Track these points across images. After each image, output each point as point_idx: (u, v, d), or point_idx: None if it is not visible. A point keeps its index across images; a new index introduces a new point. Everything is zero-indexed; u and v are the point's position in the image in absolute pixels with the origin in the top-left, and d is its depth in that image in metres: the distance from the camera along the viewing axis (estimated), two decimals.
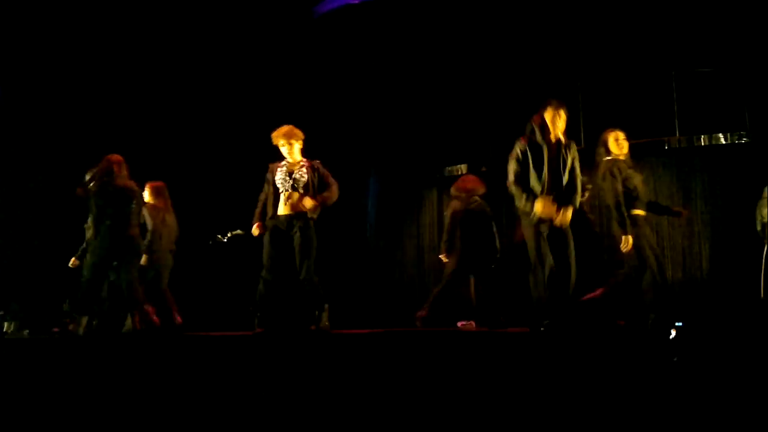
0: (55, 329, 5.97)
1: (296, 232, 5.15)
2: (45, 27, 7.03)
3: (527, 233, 4.62)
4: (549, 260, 4.56)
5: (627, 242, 4.89)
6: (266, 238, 5.16)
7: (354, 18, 7.43)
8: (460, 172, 8.14)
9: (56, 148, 7.29)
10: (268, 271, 5.12)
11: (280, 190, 5.20)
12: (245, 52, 7.71)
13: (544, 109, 4.69)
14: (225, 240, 7.63)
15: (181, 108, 7.82)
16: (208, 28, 7.44)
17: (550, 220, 4.58)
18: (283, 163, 5.27)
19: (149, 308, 5.63)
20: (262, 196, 5.26)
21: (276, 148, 5.30)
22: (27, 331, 6.02)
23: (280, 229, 5.16)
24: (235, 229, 7.52)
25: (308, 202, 5.13)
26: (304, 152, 5.36)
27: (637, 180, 5.23)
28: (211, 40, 7.56)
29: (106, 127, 7.45)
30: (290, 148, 5.24)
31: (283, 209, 5.18)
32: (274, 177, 5.23)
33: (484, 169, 7.94)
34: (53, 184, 6.64)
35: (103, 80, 7.52)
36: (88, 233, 5.71)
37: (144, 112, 7.73)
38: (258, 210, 5.23)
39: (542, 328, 4.44)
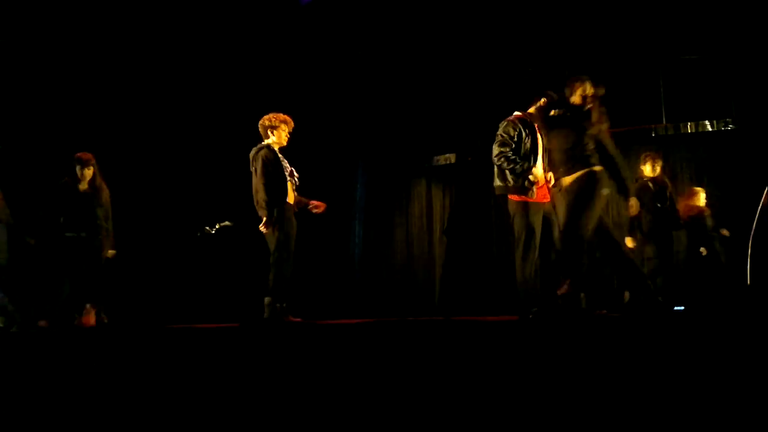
0: (42, 323, 5.95)
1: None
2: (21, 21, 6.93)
3: (519, 220, 4.64)
4: (537, 248, 4.59)
5: None
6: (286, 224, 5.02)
7: (341, 6, 7.39)
8: (448, 162, 8.14)
9: (42, 144, 7.22)
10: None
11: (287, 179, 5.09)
12: (231, 40, 7.65)
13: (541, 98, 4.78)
14: (213, 232, 7.61)
15: (168, 100, 7.76)
16: (192, 17, 7.37)
17: (543, 209, 4.63)
18: (278, 149, 5.15)
19: None
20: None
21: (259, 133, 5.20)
22: (15, 327, 5.97)
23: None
24: (224, 221, 7.50)
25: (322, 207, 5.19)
26: (293, 141, 5.30)
27: None
28: (196, 29, 7.49)
29: (89, 120, 7.39)
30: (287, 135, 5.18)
31: (290, 198, 5.10)
32: (280, 162, 5.06)
33: (470, 159, 7.95)
34: (42, 179, 6.57)
35: (86, 71, 7.44)
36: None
37: (130, 104, 7.67)
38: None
39: (530, 316, 4.46)
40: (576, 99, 4.50)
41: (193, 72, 7.75)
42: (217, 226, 7.49)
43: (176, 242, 7.69)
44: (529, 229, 4.59)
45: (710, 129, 6.98)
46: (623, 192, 4.68)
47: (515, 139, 4.67)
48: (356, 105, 8.27)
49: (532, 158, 4.65)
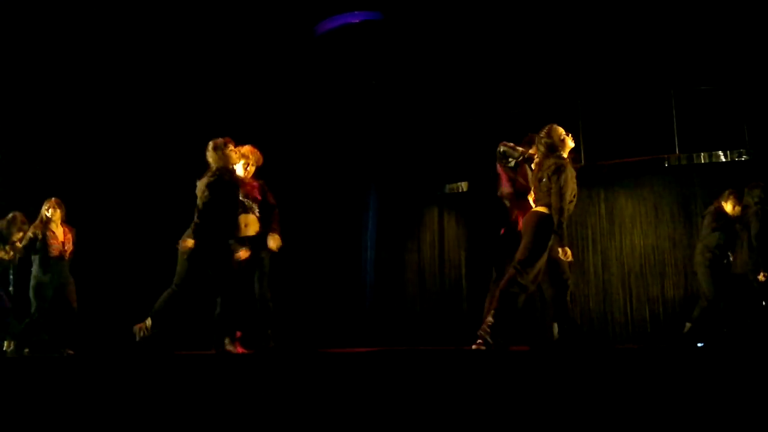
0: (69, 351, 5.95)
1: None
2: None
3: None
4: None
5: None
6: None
7: (354, 37, 7.49)
8: (460, 190, 8.15)
9: (55, 162, 7.29)
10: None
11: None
12: (249, 70, 7.76)
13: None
14: None
15: (184, 123, 7.84)
16: (211, 48, 7.49)
17: None
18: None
19: None
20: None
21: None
22: (27, 350, 5.99)
23: None
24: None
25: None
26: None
27: None
28: (216, 59, 7.60)
29: (109, 134, 7.46)
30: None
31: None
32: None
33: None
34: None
35: (105, 88, 7.53)
36: None
37: (141, 125, 7.74)
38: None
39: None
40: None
41: (208, 96, 7.84)
42: None
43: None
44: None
45: (723, 159, 6.96)
46: None
47: None
48: (369, 133, 8.33)
49: None
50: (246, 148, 5.04)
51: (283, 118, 7.73)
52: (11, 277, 6.26)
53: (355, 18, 7.25)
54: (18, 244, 6.02)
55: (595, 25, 7.15)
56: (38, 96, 7.20)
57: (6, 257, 6.09)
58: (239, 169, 4.97)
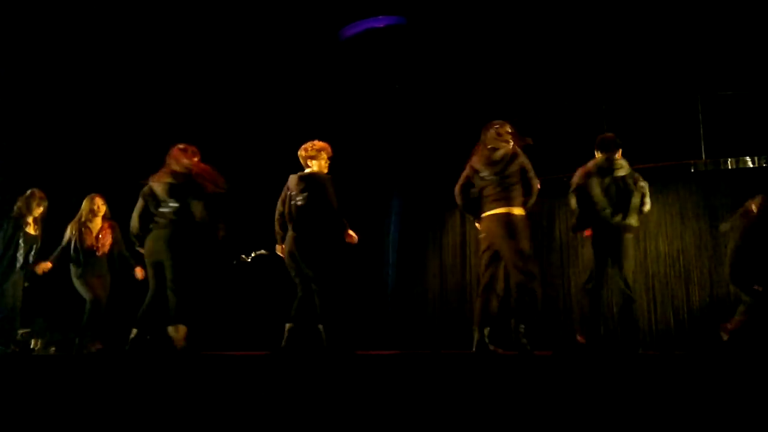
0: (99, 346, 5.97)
1: None
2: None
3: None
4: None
5: None
6: None
7: (378, 42, 7.52)
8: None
9: (84, 158, 7.38)
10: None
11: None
12: (273, 75, 7.83)
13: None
14: (249, 260, 7.69)
15: (204, 136, 7.92)
16: (235, 53, 7.57)
17: None
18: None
19: None
20: None
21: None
22: (53, 348, 6.09)
23: None
24: (260, 249, 7.57)
25: None
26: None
27: None
28: (240, 64, 7.68)
29: (133, 143, 7.57)
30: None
31: None
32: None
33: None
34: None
35: (124, 89, 7.63)
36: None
37: (170, 133, 7.84)
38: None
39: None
40: None
41: (232, 103, 7.91)
42: (253, 254, 7.57)
43: (213, 269, 7.78)
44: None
45: (750, 165, 6.88)
46: None
47: None
48: (392, 137, 8.34)
49: None
50: (321, 143, 5.11)
51: (306, 122, 7.77)
52: (32, 253, 6.01)
53: (379, 23, 7.28)
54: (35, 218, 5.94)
55: (620, 30, 7.11)
56: (45, 94, 7.31)
57: (33, 232, 5.92)
58: (317, 165, 5.04)
